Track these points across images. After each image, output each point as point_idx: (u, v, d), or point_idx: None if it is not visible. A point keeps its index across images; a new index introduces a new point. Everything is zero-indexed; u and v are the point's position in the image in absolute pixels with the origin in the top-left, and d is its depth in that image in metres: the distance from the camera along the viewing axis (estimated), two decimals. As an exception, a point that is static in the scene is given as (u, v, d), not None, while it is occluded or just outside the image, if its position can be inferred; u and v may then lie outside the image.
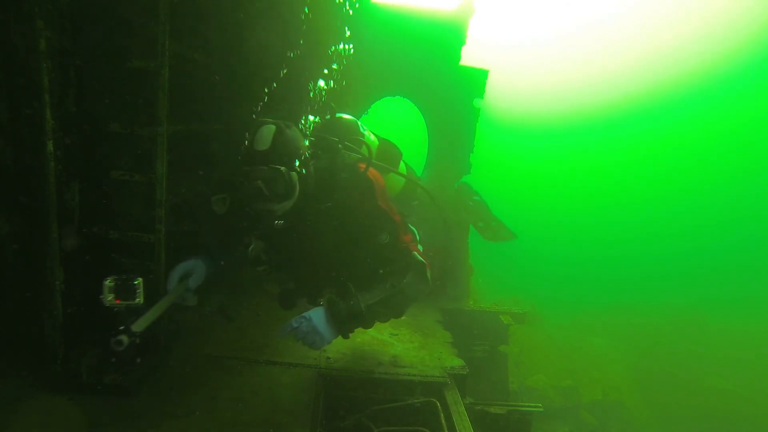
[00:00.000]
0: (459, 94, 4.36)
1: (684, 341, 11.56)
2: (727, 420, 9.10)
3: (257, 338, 2.87)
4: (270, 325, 3.06)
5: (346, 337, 2.17)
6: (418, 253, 2.36)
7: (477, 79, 4.36)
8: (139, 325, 1.86)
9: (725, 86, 37.11)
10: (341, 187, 2.24)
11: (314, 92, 2.59)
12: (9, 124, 2.05)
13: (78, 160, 2.16)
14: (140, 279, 2.02)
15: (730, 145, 37.60)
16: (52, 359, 2.14)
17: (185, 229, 2.70)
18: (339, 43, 2.90)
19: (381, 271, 2.30)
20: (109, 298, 1.98)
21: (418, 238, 2.64)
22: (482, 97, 4.40)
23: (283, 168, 2.05)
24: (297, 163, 2.13)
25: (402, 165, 2.93)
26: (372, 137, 2.78)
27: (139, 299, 2.01)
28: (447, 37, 4.20)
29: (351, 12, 3.29)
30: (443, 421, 2.37)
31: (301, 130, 2.30)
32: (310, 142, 2.33)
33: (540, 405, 3.16)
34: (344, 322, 2.11)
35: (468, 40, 4.22)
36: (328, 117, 2.63)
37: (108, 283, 1.99)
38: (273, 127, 2.08)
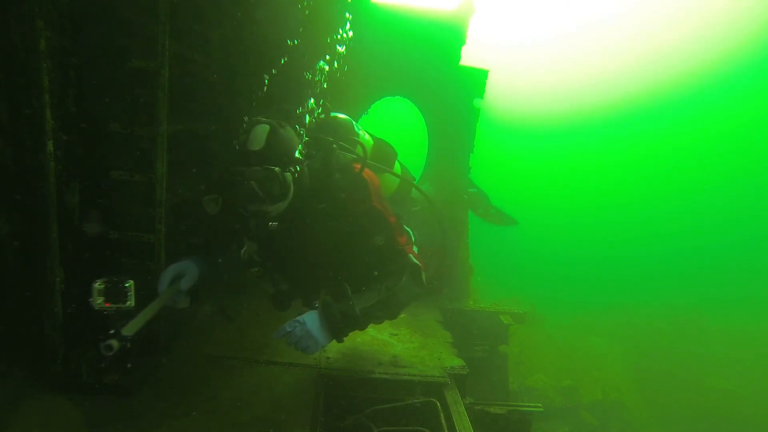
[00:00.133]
0: (459, 94, 4.35)
1: (684, 341, 11.56)
2: (727, 420, 9.10)
3: (257, 338, 2.87)
4: (270, 325, 3.04)
5: (340, 341, 2.10)
6: (414, 255, 2.34)
7: (477, 79, 4.35)
8: (129, 329, 1.76)
9: (725, 86, 37.07)
10: (336, 188, 2.21)
11: (319, 76, 2.53)
12: (9, 124, 2.05)
13: (78, 160, 2.16)
14: (131, 281, 1.93)
15: (729, 145, 37.58)
16: (52, 359, 2.14)
17: (185, 229, 2.70)
18: (339, 30, 2.85)
19: (376, 273, 2.26)
20: (98, 301, 1.88)
21: (413, 239, 2.62)
22: (482, 97, 4.39)
23: (277, 168, 2.02)
24: (291, 163, 2.10)
25: (397, 165, 2.88)
26: (367, 137, 2.74)
27: (130, 302, 1.91)
28: (447, 37, 4.19)
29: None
30: (443, 421, 2.37)
31: (295, 130, 2.26)
32: (305, 141, 2.29)
33: (540, 405, 3.16)
34: (339, 326, 2.04)
35: (468, 40, 4.22)
36: (323, 116, 2.59)
37: (97, 285, 1.88)
38: (267, 127, 2.05)
